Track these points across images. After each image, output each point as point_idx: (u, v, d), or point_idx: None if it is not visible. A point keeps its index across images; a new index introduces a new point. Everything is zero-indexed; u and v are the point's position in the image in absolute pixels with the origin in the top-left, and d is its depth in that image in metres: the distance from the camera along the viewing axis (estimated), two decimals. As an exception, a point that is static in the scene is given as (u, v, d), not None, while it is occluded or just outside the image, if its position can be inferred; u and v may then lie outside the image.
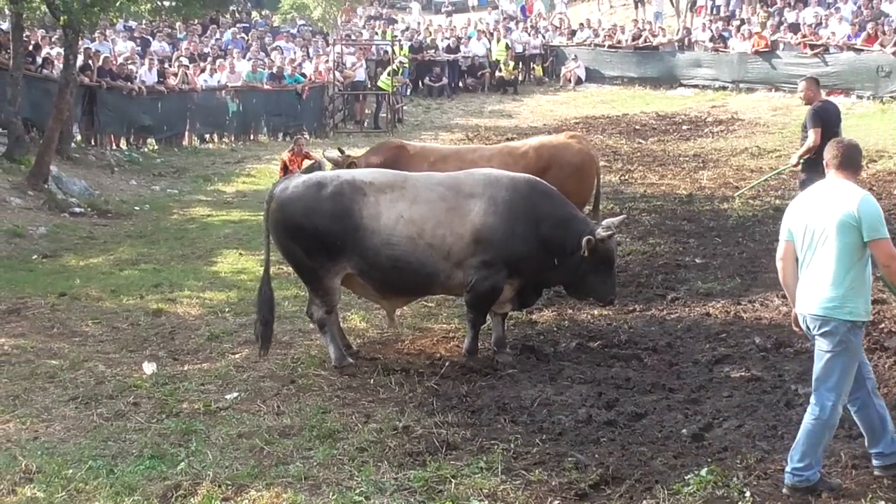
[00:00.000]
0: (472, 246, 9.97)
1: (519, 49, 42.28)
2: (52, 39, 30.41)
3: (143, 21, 37.67)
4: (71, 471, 7.73)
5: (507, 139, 28.66)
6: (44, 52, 27.37)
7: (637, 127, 31.07)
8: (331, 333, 10.34)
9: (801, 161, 13.71)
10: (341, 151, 14.30)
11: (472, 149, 14.32)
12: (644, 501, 7.06)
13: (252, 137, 32.12)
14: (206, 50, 35.69)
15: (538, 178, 10.64)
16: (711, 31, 38.44)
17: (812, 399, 7.15)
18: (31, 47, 26.67)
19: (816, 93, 14.21)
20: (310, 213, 9.91)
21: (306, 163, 18.75)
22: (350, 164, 13.54)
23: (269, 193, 10.31)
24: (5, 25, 27.67)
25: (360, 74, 36.32)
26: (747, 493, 7.02)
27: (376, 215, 9.86)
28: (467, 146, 14.29)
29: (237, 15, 47.16)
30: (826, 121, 13.55)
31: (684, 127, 30.62)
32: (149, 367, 10.39)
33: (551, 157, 13.33)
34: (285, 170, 19.55)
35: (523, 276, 10.34)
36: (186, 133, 30.74)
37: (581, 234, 10.09)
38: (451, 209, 9.98)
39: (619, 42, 40.74)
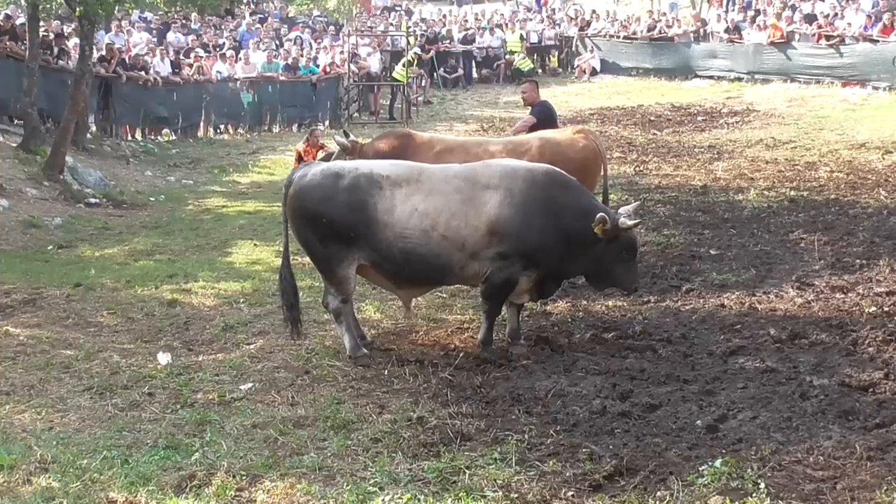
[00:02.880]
0: (486, 237, 9.95)
1: (534, 40, 42.27)
2: (67, 31, 30.45)
3: (159, 12, 37.78)
4: (86, 461, 7.75)
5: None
6: (61, 44, 27.44)
7: (652, 118, 31.01)
8: (346, 323, 10.36)
9: None
10: (346, 135, 14.17)
11: (478, 141, 14.29)
12: (658, 493, 7.04)
13: (267, 128, 32.19)
14: (221, 41, 35.75)
15: (557, 169, 10.60)
16: (727, 21, 38.33)
17: None
18: (51, 38, 26.75)
19: (537, 95, 15.99)
20: (326, 202, 9.95)
21: (321, 154, 18.74)
22: (359, 151, 13.51)
23: (289, 179, 10.39)
24: (21, 18, 27.68)
25: (375, 65, 36.32)
26: (762, 485, 7.00)
27: (390, 209, 9.87)
28: (474, 138, 14.31)
29: (252, 6, 47.18)
30: (547, 116, 15.45)
31: (699, 118, 30.56)
32: (163, 358, 10.41)
33: (554, 153, 13.27)
34: (300, 160, 19.56)
35: (541, 268, 10.29)
36: (202, 124, 30.82)
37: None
38: (467, 201, 9.96)
39: (634, 33, 40.66)
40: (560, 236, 10.08)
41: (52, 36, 27.18)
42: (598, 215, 9.95)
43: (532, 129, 14.97)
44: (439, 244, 9.90)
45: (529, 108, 15.70)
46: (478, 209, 9.92)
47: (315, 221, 10.03)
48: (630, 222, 10.17)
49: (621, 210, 10.54)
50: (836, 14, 34.89)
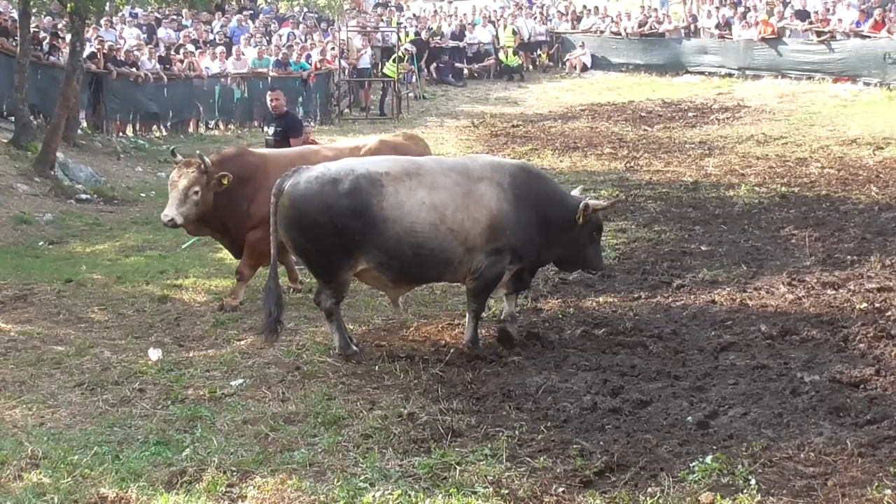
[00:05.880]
0: (486, 231, 10.01)
1: (525, 35, 42.24)
2: (59, 27, 30.43)
3: (149, 8, 37.71)
4: (77, 457, 7.75)
5: (513, 126, 28.81)
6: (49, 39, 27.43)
7: (643, 114, 31.07)
8: (338, 322, 10.28)
9: None
10: (174, 154, 12.91)
11: (315, 150, 13.61)
12: (649, 489, 7.05)
13: (257, 124, 32.11)
14: (211, 37, 35.72)
15: (529, 163, 10.75)
16: (717, 17, 38.34)
17: None
18: (41, 35, 26.72)
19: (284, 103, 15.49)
20: (327, 210, 9.62)
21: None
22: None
23: (278, 188, 9.94)
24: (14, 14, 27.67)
25: (366, 61, 36.27)
26: (752, 481, 7.01)
27: (398, 204, 9.72)
28: (310, 147, 13.57)
29: (242, 2, 47.06)
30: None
31: (690, 114, 30.63)
32: (154, 354, 10.40)
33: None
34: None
35: (523, 260, 10.47)
36: (192, 120, 30.78)
37: (573, 210, 10.47)
38: (466, 194, 9.99)
39: (626, 29, 40.63)
40: (542, 227, 10.34)
41: (48, 31, 27.15)
42: (582, 203, 10.39)
43: (285, 138, 14.83)
44: (446, 238, 9.88)
45: (279, 115, 15.17)
46: (477, 202, 9.99)
47: (315, 231, 9.73)
48: (603, 203, 10.76)
49: (573, 193, 11.03)
50: (828, 10, 34.89)
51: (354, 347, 10.33)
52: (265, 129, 15.08)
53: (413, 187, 9.84)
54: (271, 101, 15.33)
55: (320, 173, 9.90)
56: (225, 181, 11.72)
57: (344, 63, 34.94)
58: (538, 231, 10.30)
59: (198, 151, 12.68)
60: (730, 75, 36.34)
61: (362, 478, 7.34)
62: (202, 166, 11.75)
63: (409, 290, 11.23)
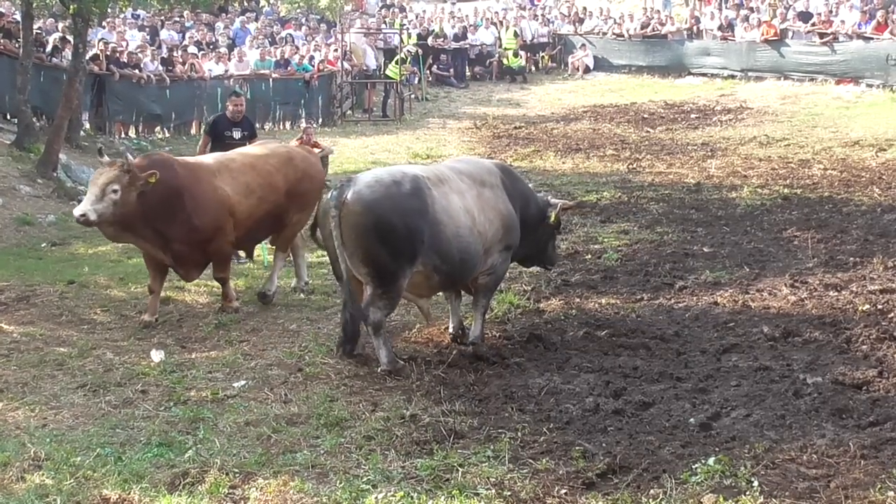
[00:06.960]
0: (500, 230, 10.32)
1: (527, 37, 42.20)
2: (59, 27, 30.43)
3: (152, 10, 37.68)
4: (79, 458, 7.75)
5: (515, 127, 28.78)
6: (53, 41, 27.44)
7: (645, 116, 31.02)
8: (384, 337, 9.94)
9: None
10: (101, 153, 12.38)
11: (231, 155, 12.70)
12: (651, 491, 7.05)
13: (260, 126, 32.05)
14: (214, 38, 35.70)
15: (505, 163, 11.01)
16: (720, 19, 38.28)
17: None
18: (44, 37, 26.74)
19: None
20: (400, 211, 9.48)
21: (315, 151, 18.65)
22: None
23: (337, 202, 9.56)
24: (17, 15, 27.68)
25: (371, 62, 36.23)
26: (755, 483, 7.01)
27: (446, 207, 9.78)
28: (225, 154, 13.08)
29: (245, 3, 47.03)
30: None
31: (692, 116, 30.57)
32: (157, 355, 10.40)
33: (307, 161, 13.06)
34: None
35: None
36: (194, 121, 30.76)
37: (543, 209, 10.97)
38: (479, 196, 10.21)
39: (628, 30, 40.58)
40: (522, 225, 10.69)
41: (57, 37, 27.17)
42: (560, 207, 11.00)
43: (250, 142, 14.46)
44: (477, 240, 10.06)
45: (240, 120, 15.13)
46: (487, 203, 10.24)
47: (391, 235, 9.48)
48: (571, 203, 11.60)
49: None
50: (830, 11, 34.84)
51: (402, 361, 10.04)
52: (227, 133, 14.66)
53: (447, 192, 9.97)
54: (235, 106, 15.11)
55: (376, 178, 9.81)
56: (152, 179, 11.11)
57: (346, 65, 34.90)
58: (521, 228, 10.72)
59: (122, 148, 12.45)
60: (732, 77, 36.27)
61: (365, 479, 7.35)
62: (124, 165, 11.09)
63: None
